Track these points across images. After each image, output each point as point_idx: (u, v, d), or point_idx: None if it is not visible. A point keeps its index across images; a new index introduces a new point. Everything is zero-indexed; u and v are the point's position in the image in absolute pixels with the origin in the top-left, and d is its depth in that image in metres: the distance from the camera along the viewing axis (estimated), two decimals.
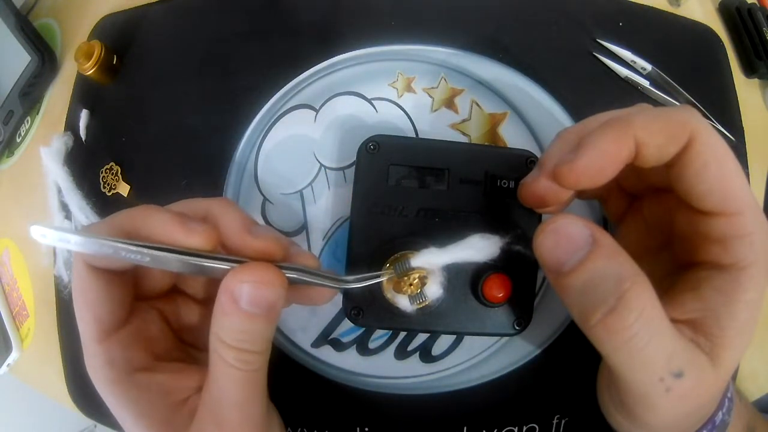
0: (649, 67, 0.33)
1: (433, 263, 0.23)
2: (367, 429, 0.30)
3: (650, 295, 0.17)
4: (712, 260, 0.19)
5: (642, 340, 0.16)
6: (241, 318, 0.18)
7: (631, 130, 0.18)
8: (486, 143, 0.32)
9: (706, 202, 0.19)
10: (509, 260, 0.24)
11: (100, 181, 0.35)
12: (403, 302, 0.24)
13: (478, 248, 0.22)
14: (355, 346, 0.30)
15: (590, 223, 0.18)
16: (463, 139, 0.32)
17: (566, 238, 0.18)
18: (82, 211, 0.35)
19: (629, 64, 0.34)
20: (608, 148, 0.19)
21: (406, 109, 0.33)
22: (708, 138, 0.18)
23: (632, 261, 0.18)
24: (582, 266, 0.17)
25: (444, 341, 0.30)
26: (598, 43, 0.34)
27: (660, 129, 0.19)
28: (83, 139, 0.37)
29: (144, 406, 0.20)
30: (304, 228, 0.31)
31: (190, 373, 0.22)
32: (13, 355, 0.36)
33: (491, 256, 0.22)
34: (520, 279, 0.26)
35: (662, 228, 0.22)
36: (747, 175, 0.33)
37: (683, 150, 0.19)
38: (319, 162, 0.32)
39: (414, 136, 0.32)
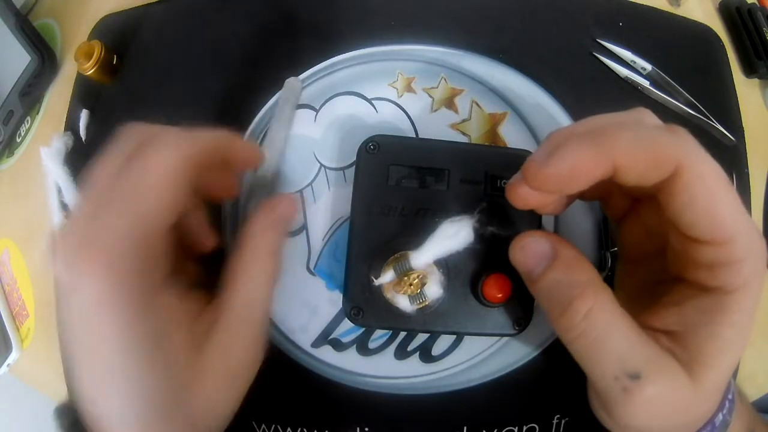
0: (649, 67, 0.33)
1: (421, 262, 0.23)
2: (367, 429, 0.30)
3: (601, 299, 0.19)
4: (698, 281, 0.19)
5: (588, 337, 0.19)
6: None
7: (611, 152, 0.18)
8: (486, 143, 0.32)
9: (694, 231, 0.18)
10: (508, 261, 0.24)
11: None
12: (403, 302, 0.24)
13: (451, 235, 0.23)
14: (355, 346, 0.30)
15: (554, 238, 0.21)
16: (463, 139, 0.32)
17: (532, 252, 0.21)
18: None
19: (629, 64, 0.34)
20: (581, 163, 0.18)
21: (406, 109, 0.33)
22: (697, 169, 0.18)
23: (589, 270, 0.20)
24: (544, 275, 0.20)
25: (444, 341, 0.30)
26: (598, 43, 0.34)
27: (643, 157, 0.18)
28: (83, 139, 0.37)
29: (169, 328, 0.19)
30: (304, 228, 0.31)
31: (190, 296, 0.22)
32: (13, 355, 0.36)
33: (467, 239, 0.23)
34: (519, 279, 0.26)
35: (659, 234, 0.22)
36: (747, 175, 0.33)
37: (669, 179, 0.18)
38: (319, 162, 0.32)
39: (414, 136, 0.32)
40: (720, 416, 0.20)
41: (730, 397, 0.21)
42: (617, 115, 0.21)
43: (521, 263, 0.22)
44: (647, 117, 0.21)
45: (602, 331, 0.19)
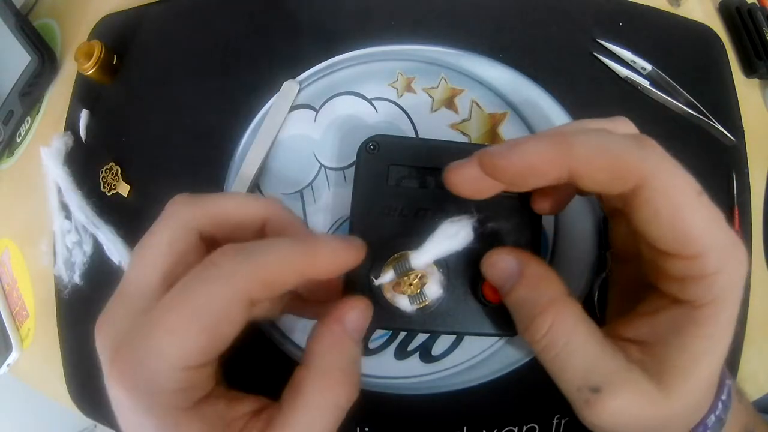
0: (649, 67, 0.33)
1: (421, 262, 0.23)
2: (367, 429, 0.30)
3: (563, 316, 0.19)
4: (670, 293, 0.19)
5: (551, 352, 0.19)
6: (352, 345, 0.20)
7: (567, 157, 0.18)
8: (486, 143, 0.32)
9: (660, 245, 0.18)
10: None
11: (100, 181, 0.35)
12: (403, 302, 0.24)
13: (451, 235, 0.22)
14: None
15: (522, 256, 0.21)
16: (463, 139, 0.32)
17: (499, 270, 0.22)
18: (81, 211, 0.35)
19: (629, 64, 0.34)
20: (535, 162, 0.18)
21: (406, 109, 0.33)
22: (661, 183, 0.17)
23: (554, 287, 0.20)
24: (511, 292, 0.21)
25: (444, 341, 0.30)
26: (598, 43, 0.34)
27: (600, 166, 0.17)
28: (83, 139, 0.37)
29: None
30: None
31: (243, 398, 0.20)
32: (13, 355, 0.36)
33: (467, 239, 0.23)
34: None
35: None
36: (747, 174, 0.33)
37: (633, 192, 0.18)
38: (319, 162, 0.32)
39: (414, 136, 0.32)
40: (712, 417, 0.20)
41: (723, 398, 0.21)
42: (592, 121, 0.21)
43: (491, 280, 0.22)
44: (623, 126, 0.20)
45: (564, 346, 0.19)
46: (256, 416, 0.19)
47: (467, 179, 0.20)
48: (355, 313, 0.21)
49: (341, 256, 0.20)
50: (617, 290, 0.24)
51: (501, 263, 0.22)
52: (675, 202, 0.17)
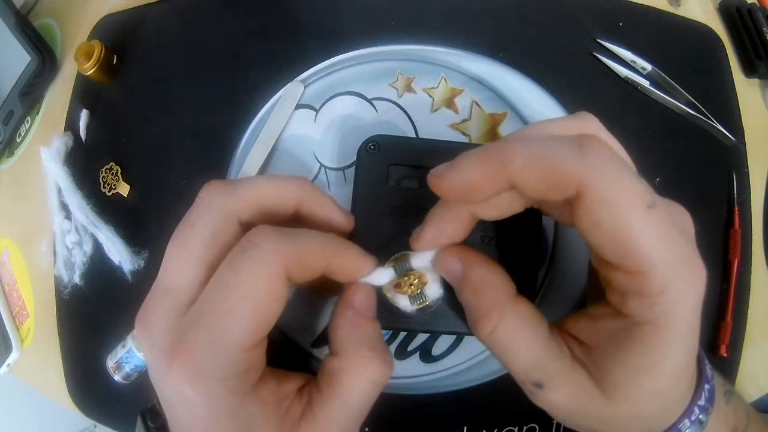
0: (649, 67, 0.33)
1: (421, 263, 0.23)
2: (367, 429, 0.30)
3: (506, 319, 0.20)
4: (612, 303, 0.18)
5: (495, 350, 0.20)
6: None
7: (504, 170, 0.17)
8: (486, 143, 0.32)
9: (603, 254, 0.17)
10: (508, 261, 0.24)
11: (100, 181, 0.35)
12: (403, 302, 0.24)
13: (421, 257, 0.22)
14: None
15: (467, 257, 0.21)
16: (463, 139, 0.32)
17: (445, 269, 0.22)
18: (82, 211, 0.35)
19: (629, 64, 0.34)
20: (473, 180, 0.18)
21: (406, 109, 0.33)
22: (602, 192, 0.16)
23: (497, 290, 0.20)
24: (458, 292, 0.21)
25: (444, 341, 0.30)
26: (598, 43, 0.34)
27: (538, 177, 0.17)
28: (83, 139, 0.37)
29: (260, 422, 0.19)
30: None
31: (289, 376, 0.21)
32: (13, 355, 0.36)
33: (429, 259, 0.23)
34: (519, 279, 0.26)
35: None
36: (747, 174, 0.33)
37: (575, 199, 0.17)
38: (319, 162, 0.32)
39: (414, 136, 0.32)
40: (686, 422, 0.20)
41: (701, 402, 0.20)
42: (554, 120, 0.20)
43: (445, 275, 0.22)
44: (584, 123, 0.20)
45: (506, 347, 0.20)
46: (300, 393, 0.20)
47: (431, 239, 0.21)
48: (360, 294, 0.22)
49: (362, 262, 0.22)
50: (592, 280, 0.24)
51: (445, 263, 0.22)
52: (618, 214, 0.16)
